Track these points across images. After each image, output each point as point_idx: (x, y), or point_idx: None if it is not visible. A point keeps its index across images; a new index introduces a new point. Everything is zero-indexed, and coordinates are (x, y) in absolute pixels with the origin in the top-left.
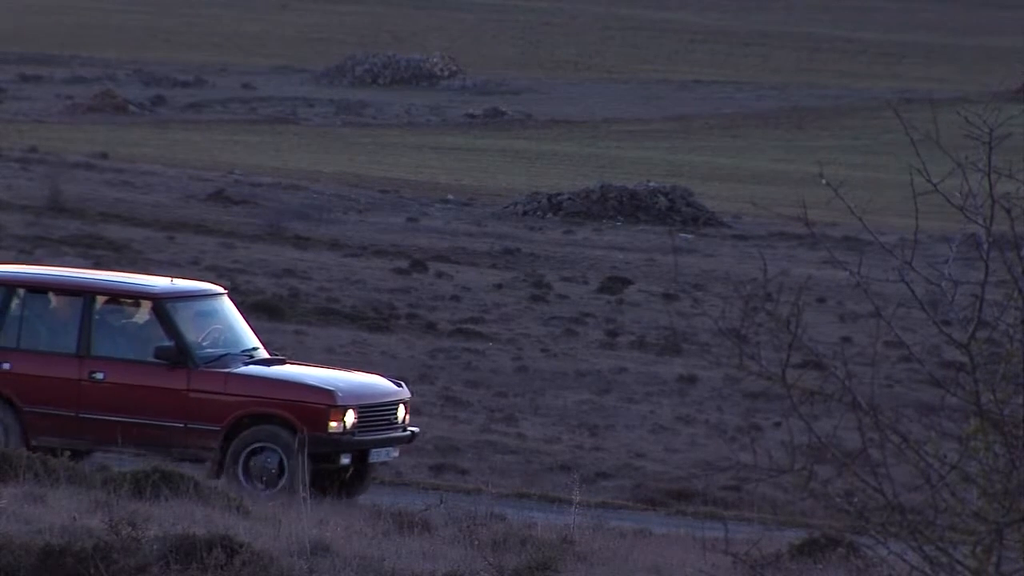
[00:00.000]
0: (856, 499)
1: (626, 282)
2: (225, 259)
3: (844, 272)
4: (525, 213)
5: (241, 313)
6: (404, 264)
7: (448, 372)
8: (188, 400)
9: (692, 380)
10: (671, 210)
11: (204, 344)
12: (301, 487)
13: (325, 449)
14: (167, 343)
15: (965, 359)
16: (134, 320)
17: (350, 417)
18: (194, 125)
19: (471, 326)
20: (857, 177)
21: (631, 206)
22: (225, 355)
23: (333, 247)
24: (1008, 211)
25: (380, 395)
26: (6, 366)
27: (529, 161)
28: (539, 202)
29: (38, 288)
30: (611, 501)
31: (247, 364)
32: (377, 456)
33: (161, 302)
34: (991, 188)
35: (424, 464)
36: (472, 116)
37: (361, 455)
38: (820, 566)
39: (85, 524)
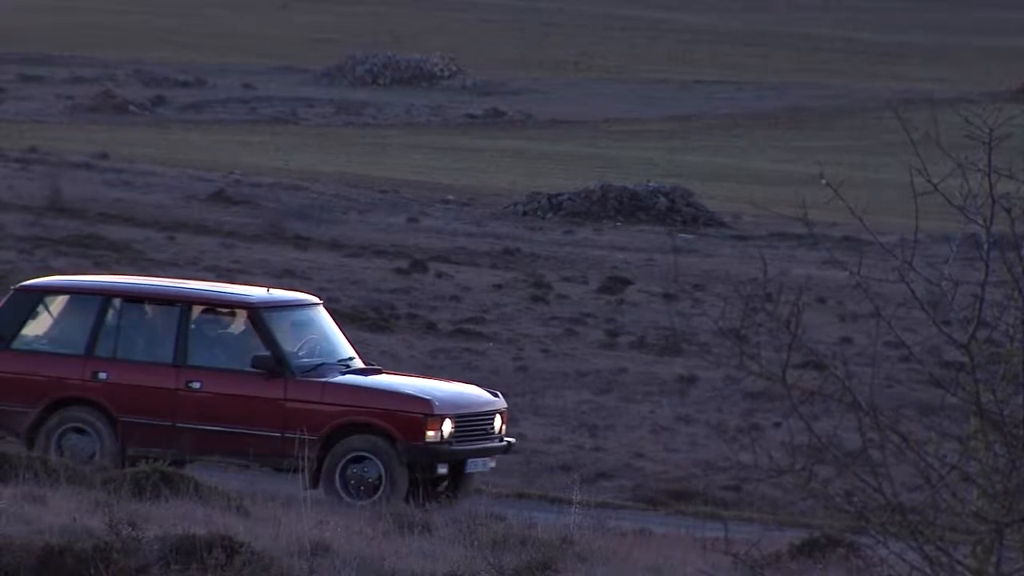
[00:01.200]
0: (856, 499)
1: (626, 282)
2: (225, 259)
3: (844, 272)
4: (525, 213)
5: (336, 323)
6: (404, 264)
7: (448, 372)
8: (285, 410)
9: (692, 380)
10: (671, 210)
11: (300, 354)
12: (399, 497)
13: (422, 459)
14: (264, 353)
15: (965, 359)
16: (230, 330)
17: (447, 427)
18: (194, 125)
19: (471, 326)
20: (857, 177)
21: (631, 206)
22: (321, 365)
23: (333, 247)
24: (1008, 211)
25: (477, 405)
26: (103, 376)
27: (529, 161)
28: (539, 202)
29: (134, 298)
30: (611, 501)
31: (344, 374)
32: (474, 466)
33: (258, 312)
34: (991, 188)
35: None
36: (472, 116)
37: (458, 465)
38: (820, 566)
39: (85, 524)
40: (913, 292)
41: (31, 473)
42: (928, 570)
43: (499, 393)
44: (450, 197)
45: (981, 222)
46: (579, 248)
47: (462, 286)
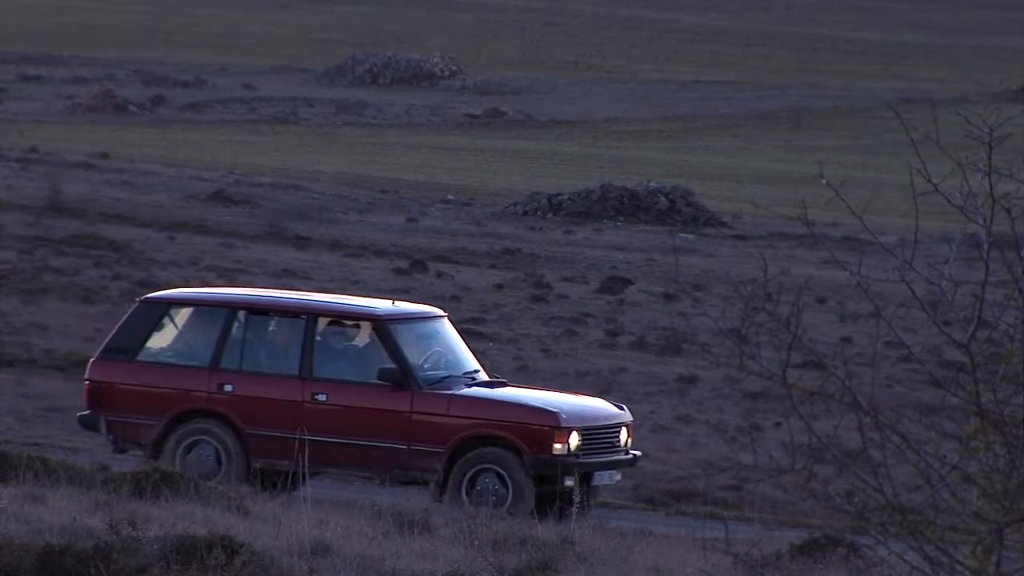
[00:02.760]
0: (856, 499)
1: (626, 282)
2: (225, 259)
3: (844, 272)
4: (525, 213)
5: (461, 336)
6: (404, 264)
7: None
8: (411, 422)
9: (692, 380)
10: (671, 210)
11: (426, 366)
12: (525, 509)
13: (549, 471)
14: (390, 365)
15: (965, 359)
16: (355, 342)
17: (574, 439)
18: (194, 125)
19: (471, 326)
20: (857, 177)
21: (631, 206)
22: (447, 377)
23: (333, 247)
24: (1008, 211)
25: (603, 418)
26: (228, 388)
27: (529, 161)
28: (539, 202)
29: (260, 310)
30: (611, 501)
31: (470, 386)
32: (600, 479)
33: (384, 324)
34: (991, 188)
35: None
36: (472, 116)
37: (585, 478)
38: (820, 566)
39: (85, 524)
40: (913, 292)
41: (31, 473)
42: (928, 570)
43: (624, 406)
44: (450, 197)
45: (981, 222)
46: (579, 248)
47: (462, 286)
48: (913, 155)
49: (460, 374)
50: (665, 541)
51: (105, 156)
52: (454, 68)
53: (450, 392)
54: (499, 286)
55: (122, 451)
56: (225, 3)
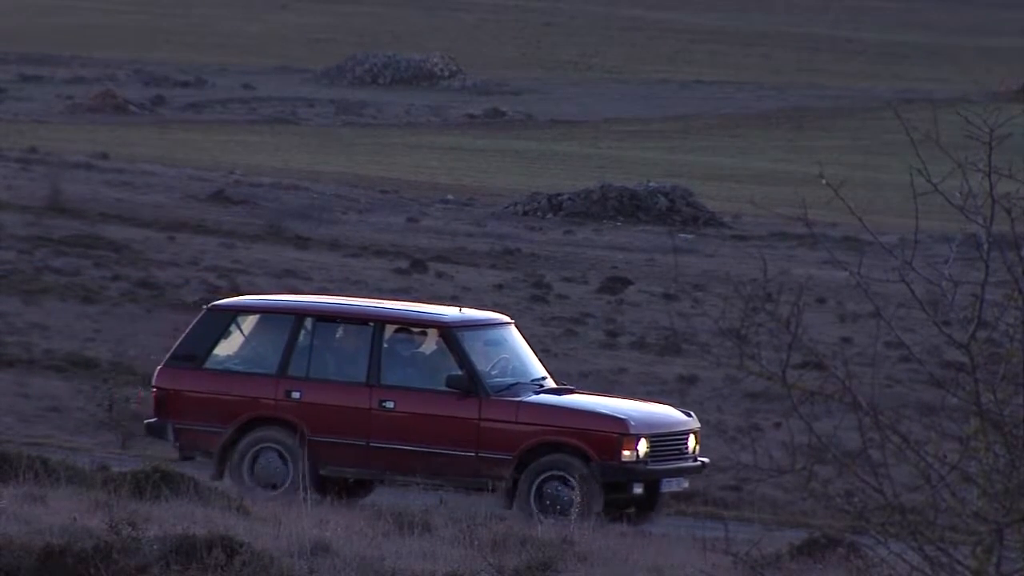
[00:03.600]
0: (856, 499)
1: (626, 282)
2: (225, 259)
3: (844, 272)
4: (525, 213)
5: (527, 343)
6: (404, 264)
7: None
8: (480, 429)
9: (692, 380)
10: (671, 210)
11: (494, 373)
12: (594, 515)
13: (618, 478)
14: (458, 372)
15: (965, 359)
16: (423, 349)
17: (642, 446)
18: (194, 125)
19: None
20: (857, 177)
21: (631, 206)
22: (515, 384)
23: (333, 247)
24: (1008, 211)
25: (671, 425)
26: (296, 395)
27: (529, 161)
28: (539, 202)
29: (327, 317)
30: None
31: (537, 393)
32: (668, 486)
33: (451, 331)
34: (991, 188)
35: None
36: (472, 116)
37: (653, 485)
38: (820, 566)
39: (85, 524)
40: (913, 292)
41: (31, 473)
42: (928, 570)
43: (692, 413)
44: (450, 197)
45: (981, 222)
46: (579, 248)
47: (462, 286)
48: (913, 155)
49: (528, 381)
50: (665, 541)
51: (105, 156)
52: (454, 68)
53: (518, 399)
54: (499, 286)
55: (189, 458)
56: (225, 3)
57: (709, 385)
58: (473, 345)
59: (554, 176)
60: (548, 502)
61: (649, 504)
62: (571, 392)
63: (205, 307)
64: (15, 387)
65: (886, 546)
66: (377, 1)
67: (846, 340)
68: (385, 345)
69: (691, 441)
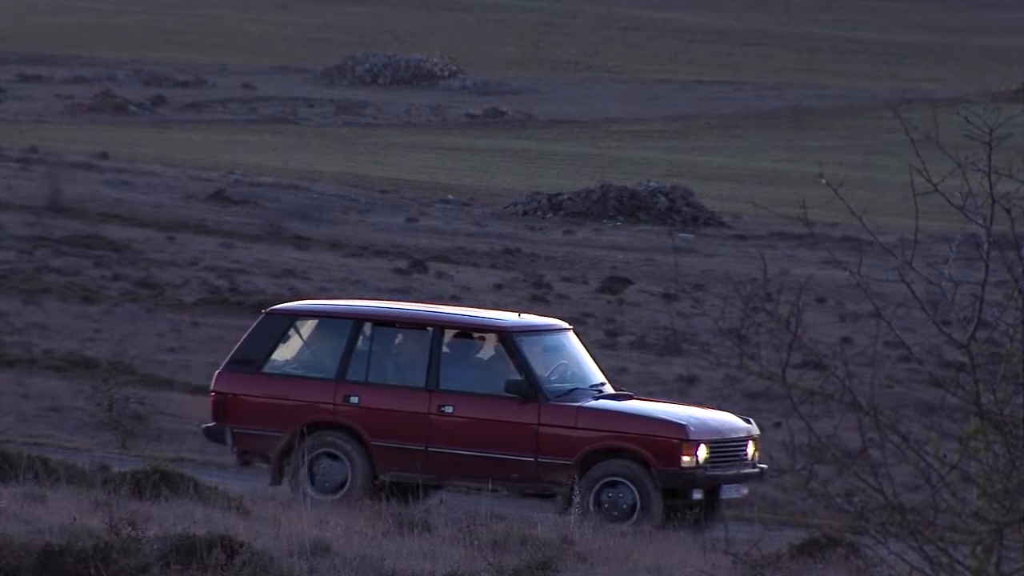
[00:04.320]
0: (856, 499)
1: (626, 282)
2: (225, 259)
3: (844, 272)
4: (525, 213)
5: (586, 349)
6: (404, 264)
7: None
8: (539, 434)
9: (692, 380)
10: (671, 210)
11: (553, 378)
12: (654, 522)
13: (677, 484)
14: (517, 377)
15: (965, 359)
16: (482, 354)
17: (702, 452)
18: (194, 125)
19: None
20: (857, 177)
21: (631, 206)
22: (574, 390)
23: (333, 247)
24: (1008, 211)
25: (731, 431)
26: (355, 400)
27: (529, 161)
28: (539, 202)
29: (386, 322)
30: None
31: (596, 398)
32: (727, 492)
33: (510, 336)
34: (991, 188)
35: None
36: (472, 116)
37: (712, 491)
38: (820, 566)
39: (85, 524)
40: (913, 292)
41: (31, 473)
42: (928, 570)
43: (751, 419)
44: (450, 197)
45: (981, 222)
46: (579, 248)
47: (462, 286)
48: (913, 155)
49: (587, 386)
50: (665, 541)
51: (105, 156)
52: (454, 68)
53: (577, 404)
54: (499, 286)
55: (247, 463)
56: (225, 3)
57: (709, 385)
58: (532, 350)
59: (554, 176)
60: (607, 508)
61: (708, 510)
62: (630, 398)
63: (264, 312)
64: (15, 387)
65: (886, 546)
66: (377, 1)
67: (846, 340)
68: (444, 350)
69: (750, 447)
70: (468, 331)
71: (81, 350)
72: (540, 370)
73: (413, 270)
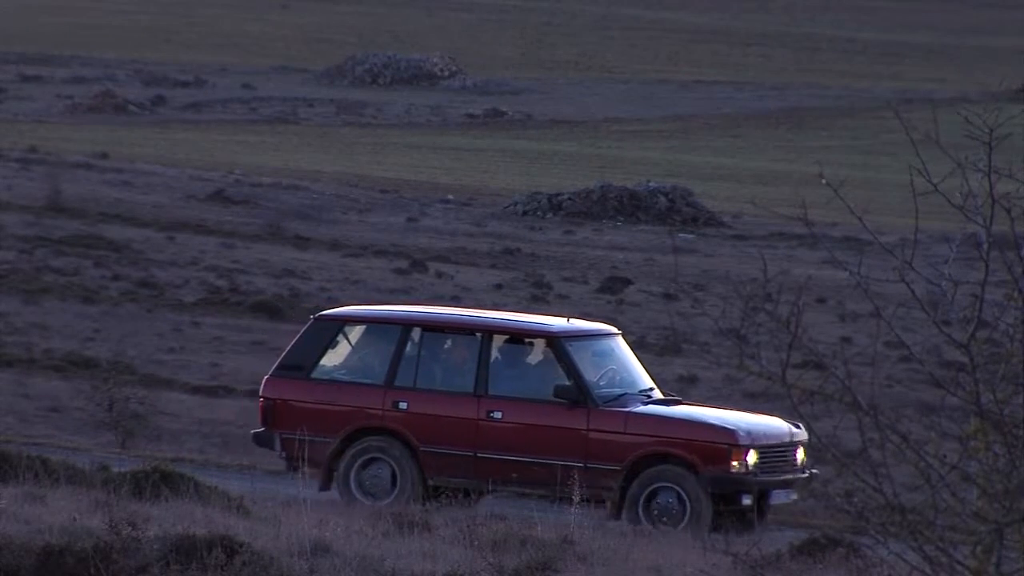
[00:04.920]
0: (856, 499)
1: (626, 282)
2: (225, 259)
3: (844, 272)
4: (525, 213)
5: (635, 354)
6: (404, 264)
7: None
8: (588, 440)
9: (692, 380)
10: (671, 210)
11: (602, 384)
12: (703, 527)
13: (726, 489)
14: (566, 382)
15: (965, 359)
16: (530, 359)
17: (751, 458)
18: (194, 125)
19: None
20: (857, 177)
21: (631, 206)
22: (623, 395)
23: (333, 247)
24: (1008, 211)
25: (780, 436)
26: (403, 405)
27: (529, 161)
28: (539, 202)
29: (434, 328)
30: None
31: (645, 404)
32: (777, 498)
33: (559, 341)
34: (991, 188)
35: None
36: (472, 116)
37: (761, 496)
38: (820, 566)
39: (85, 524)
40: (913, 292)
41: (31, 473)
42: (928, 570)
43: (800, 425)
44: (450, 197)
45: (981, 222)
46: (579, 248)
47: (462, 286)
48: (913, 155)
49: (636, 392)
50: (665, 541)
51: (105, 156)
52: (454, 68)
53: (626, 410)
54: (499, 286)
55: (295, 469)
56: (225, 3)
57: (709, 385)
58: (581, 355)
59: (554, 176)
60: (657, 513)
61: (757, 516)
62: (679, 403)
63: (312, 317)
64: (15, 387)
65: (886, 546)
66: (377, 1)
67: (846, 340)
68: (493, 355)
69: (799, 453)
70: (517, 336)
71: (81, 350)
72: (589, 375)
73: (413, 270)
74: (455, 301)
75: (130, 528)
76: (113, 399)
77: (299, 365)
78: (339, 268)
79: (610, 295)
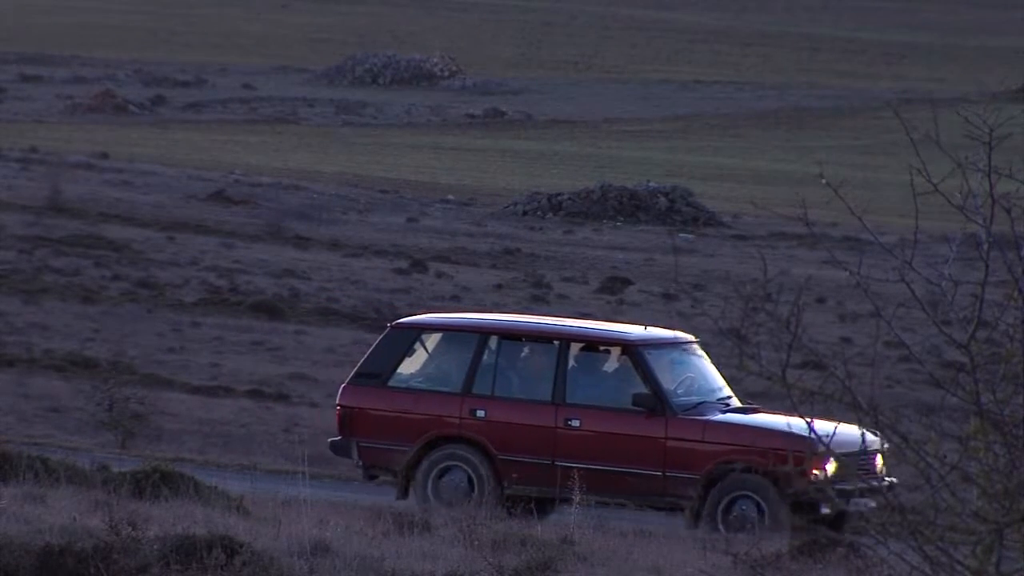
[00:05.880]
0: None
1: (626, 282)
2: (225, 259)
3: (844, 272)
4: (525, 213)
5: (712, 361)
6: (404, 264)
7: None
8: (666, 448)
9: None
10: (671, 210)
11: (680, 392)
12: (783, 535)
13: (806, 498)
14: (644, 390)
15: (965, 359)
16: (608, 367)
17: (831, 466)
18: (194, 125)
19: None
20: (857, 177)
21: (631, 206)
22: (701, 403)
23: (333, 247)
24: (1008, 211)
25: (858, 444)
26: (481, 413)
27: (529, 161)
28: (539, 202)
29: (512, 336)
30: (611, 501)
31: (723, 412)
32: (855, 506)
33: (637, 349)
34: (991, 188)
35: None
36: (472, 116)
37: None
38: (820, 566)
39: (85, 524)
40: (913, 292)
41: (31, 473)
42: (928, 570)
43: (879, 432)
44: (450, 197)
45: (981, 222)
46: (579, 248)
47: (462, 286)
48: (913, 155)
49: (713, 400)
50: (665, 541)
51: (105, 156)
52: (454, 68)
53: (705, 418)
54: (499, 286)
55: (373, 477)
56: (225, 3)
57: None
58: (659, 363)
59: (554, 176)
60: (735, 522)
61: (837, 524)
62: (757, 411)
63: (389, 325)
64: (15, 387)
65: (886, 546)
66: (377, 1)
67: (846, 340)
68: (570, 363)
69: (878, 461)
70: (595, 344)
71: (81, 350)
72: (667, 383)
73: (413, 270)
74: (455, 301)
75: (130, 528)
76: (113, 399)
77: (376, 373)
78: (339, 268)
79: (610, 295)
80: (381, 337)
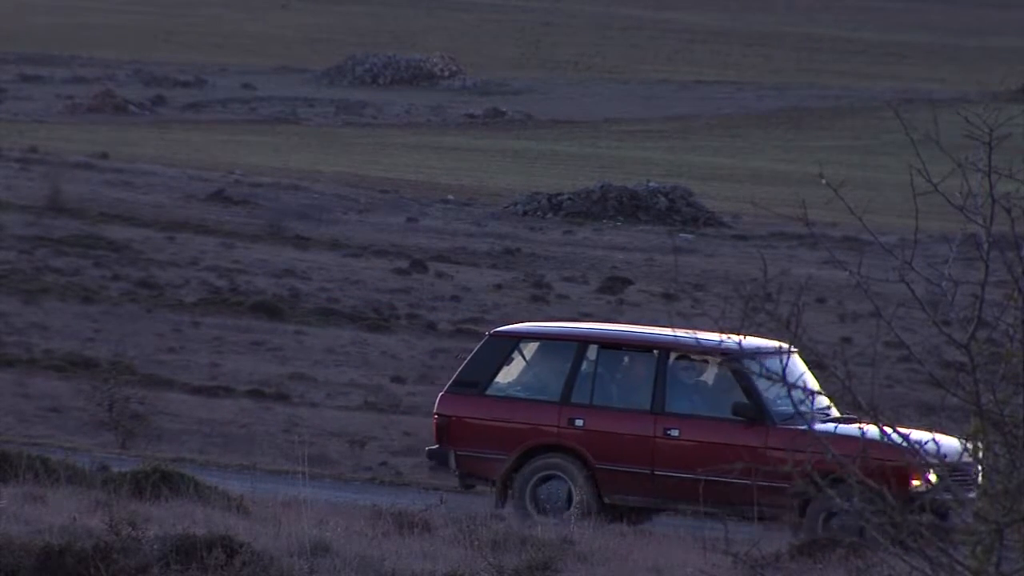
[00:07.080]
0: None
1: (626, 282)
2: (225, 259)
3: (844, 272)
4: (525, 213)
5: (810, 370)
6: (404, 264)
7: (449, 372)
8: (766, 458)
9: None
10: (671, 210)
11: (779, 402)
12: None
13: (937, 507)
14: (744, 400)
15: (965, 359)
16: (707, 377)
17: (931, 477)
18: (194, 125)
19: (471, 326)
20: (857, 177)
21: (631, 206)
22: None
23: (333, 247)
24: (1008, 211)
25: (958, 455)
26: (579, 423)
27: (529, 161)
28: (539, 202)
29: (610, 345)
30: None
31: (823, 422)
32: (955, 518)
33: (737, 359)
34: (991, 188)
35: (424, 464)
36: (472, 116)
37: (940, 516)
38: (820, 566)
39: (85, 524)
40: (913, 292)
41: (31, 473)
42: (928, 570)
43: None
44: (450, 197)
45: (981, 222)
46: (579, 248)
47: (462, 286)
48: (913, 155)
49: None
50: (665, 541)
51: (105, 156)
52: (454, 68)
53: (804, 428)
54: (499, 286)
55: (470, 486)
56: (225, 3)
57: None
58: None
59: (554, 176)
60: (835, 532)
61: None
62: (855, 421)
63: (487, 334)
64: (15, 387)
65: (886, 546)
66: (377, 1)
67: (846, 340)
68: (670, 373)
69: (978, 472)
70: (693, 354)
71: (81, 350)
72: (767, 393)
73: (413, 270)
74: (455, 301)
75: (130, 528)
76: (113, 399)
77: (474, 382)
78: (339, 268)
79: (610, 295)
80: (479, 346)
